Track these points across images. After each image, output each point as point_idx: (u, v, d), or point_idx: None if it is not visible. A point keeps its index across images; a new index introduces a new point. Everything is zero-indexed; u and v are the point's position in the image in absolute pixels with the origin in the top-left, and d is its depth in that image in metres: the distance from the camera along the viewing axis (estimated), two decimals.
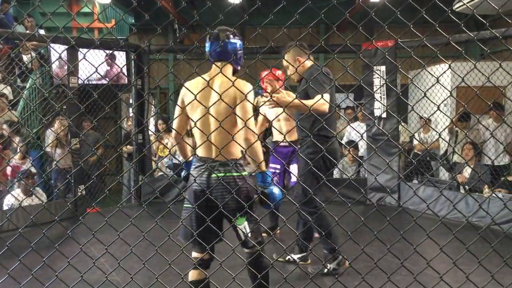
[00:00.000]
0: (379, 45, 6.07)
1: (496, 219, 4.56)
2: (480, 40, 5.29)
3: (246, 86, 2.49)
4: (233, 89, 2.30)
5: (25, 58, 6.91)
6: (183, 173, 2.79)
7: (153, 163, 6.80)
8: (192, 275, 2.59)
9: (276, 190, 2.55)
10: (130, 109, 8.19)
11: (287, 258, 3.81)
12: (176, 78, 9.65)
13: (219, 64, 2.50)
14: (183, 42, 9.76)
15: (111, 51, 6.30)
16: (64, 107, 5.85)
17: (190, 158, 2.74)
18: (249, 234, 2.50)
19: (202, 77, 2.36)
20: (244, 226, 2.50)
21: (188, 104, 2.55)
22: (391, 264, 3.25)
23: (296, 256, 3.78)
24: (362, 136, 6.26)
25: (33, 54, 6.83)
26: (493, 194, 4.97)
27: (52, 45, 5.99)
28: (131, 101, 7.35)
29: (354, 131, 6.94)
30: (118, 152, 7.04)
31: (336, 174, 6.85)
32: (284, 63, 3.57)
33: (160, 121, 7.47)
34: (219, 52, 2.55)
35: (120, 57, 6.89)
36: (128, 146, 7.09)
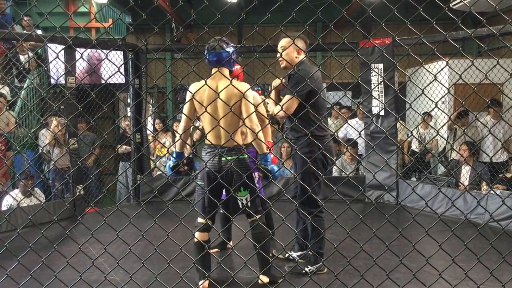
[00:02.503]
0: (377, 43, 6.07)
1: (494, 216, 4.57)
2: (478, 37, 5.29)
3: (244, 86, 3.10)
4: (232, 90, 2.93)
5: (22, 58, 6.90)
6: (170, 163, 3.33)
7: (151, 162, 6.79)
8: (200, 236, 3.18)
9: (275, 167, 3.18)
10: (128, 109, 8.18)
11: (286, 256, 3.82)
12: (174, 77, 9.64)
13: (218, 69, 3.05)
14: (181, 41, 9.76)
15: (108, 51, 6.29)
16: (62, 107, 5.84)
17: (183, 150, 3.31)
18: (249, 204, 3.13)
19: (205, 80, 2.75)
20: (246, 197, 3.14)
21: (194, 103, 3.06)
22: (390, 262, 3.26)
23: (295, 254, 3.79)
24: (360, 134, 6.25)
25: (30, 54, 6.81)
26: (491, 191, 4.98)
27: (49, 44, 5.98)
28: (129, 100, 7.34)
29: (352, 129, 6.95)
30: (116, 152, 7.02)
31: (335, 172, 6.86)
32: (284, 43, 3.48)
33: (157, 121, 7.46)
34: (216, 60, 3.10)
35: (118, 57, 6.88)
36: (124, 146, 7.07)
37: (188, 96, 3.10)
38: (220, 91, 2.56)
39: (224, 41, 3.11)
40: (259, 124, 3.11)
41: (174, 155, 3.31)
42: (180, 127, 3.20)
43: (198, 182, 3.23)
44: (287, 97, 3.32)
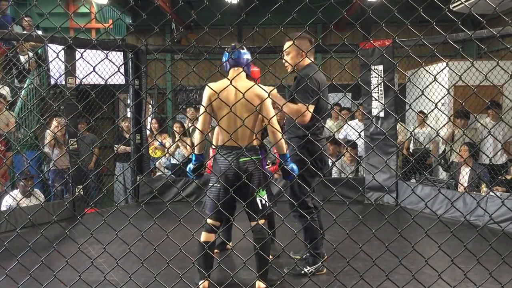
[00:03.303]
0: (377, 44, 6.06)
1: (494, 218, 4.56)
2: (478, 39, 5.29)
3: (264, 89, 3.05)
4: (253, 92, 2.92)
5: (22, 58, 6.90)
6: (190, 166, 3.25)
7: (150, 162, 6.79)
8: (207, 237, 3.19)
9: (295, 166, 3.19)
10: (128, 109, 8.17)
11: (304, 256, 3.83)
12: (174, 78, 9.64)
13: (236, 70, 3.12)
14: (181, 42, 9.76)
15: (108, 51, 6.29)
16: (62, 107, 5.85)
17: (202, 152, 3.24)
18: (267, 204, 3.16)
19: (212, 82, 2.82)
20: (264, 197, 3.17)
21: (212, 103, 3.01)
22: (390, 263, 3.26)
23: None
24: (360, 135, 6.25)
25: (30, 54, 6.81)
26: (491, 193, 4.97)
27: (49, 45, 5.98)
28: (128, 101, 7.34)
29: (352, 131, 6.95)
30: (115, 152, 7.02)
31: (334, 173, 6.86)
32: (287, 47, 3.47)
33: (153, 120, 7.35)
34: (236, 61, 3.14)
35: (118, 57, 6.88)
36: (122, 147, 7.05)
37: (205, 97, 3.06)
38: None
39: (244, 45, 3.19)
40: (278, 126, 3.15)
41: (194, 158, 3.25)
42: (198, 129, 3.17)
43: (212, 184, 3.21)
44: (301, 105, 3.19)
